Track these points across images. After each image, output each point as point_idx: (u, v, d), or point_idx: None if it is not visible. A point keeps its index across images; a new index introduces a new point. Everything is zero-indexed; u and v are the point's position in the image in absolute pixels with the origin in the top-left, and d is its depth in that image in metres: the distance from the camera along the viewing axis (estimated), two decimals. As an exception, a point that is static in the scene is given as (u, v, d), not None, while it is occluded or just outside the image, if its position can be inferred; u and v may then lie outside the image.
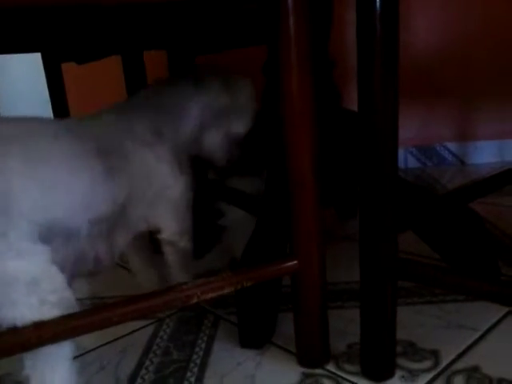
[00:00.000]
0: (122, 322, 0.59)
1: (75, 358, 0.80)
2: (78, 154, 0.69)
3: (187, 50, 1.22)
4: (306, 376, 0.73)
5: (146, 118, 0.82)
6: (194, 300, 0.63)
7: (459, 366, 0.72)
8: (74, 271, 0.70)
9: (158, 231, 0.84)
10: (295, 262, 0.69)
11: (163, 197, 0.81)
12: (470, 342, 0.77)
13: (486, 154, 1.80)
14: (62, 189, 0.66)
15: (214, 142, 0.91)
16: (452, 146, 1.82)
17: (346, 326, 0.83)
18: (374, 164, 0.61)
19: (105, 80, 1.45)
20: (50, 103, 1.22)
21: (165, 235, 0.85)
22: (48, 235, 0.63)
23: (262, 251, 0.80)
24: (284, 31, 0.61)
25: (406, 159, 1.83)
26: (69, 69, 1.32)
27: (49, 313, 0.58)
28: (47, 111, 1.24)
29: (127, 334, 0.87)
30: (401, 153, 1.81)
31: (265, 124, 0.93)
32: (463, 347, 0.75)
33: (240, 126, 0.92)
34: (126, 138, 0.77)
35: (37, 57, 1.22)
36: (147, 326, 0.90)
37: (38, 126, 0.69)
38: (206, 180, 1.14)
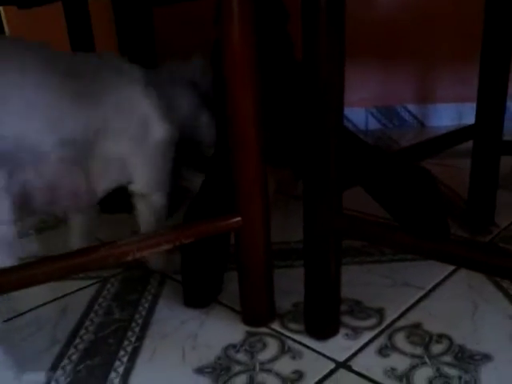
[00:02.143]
0: (49, 281, 0.56)
1: (13, 317, 0.78)
2: (47, 70, 0.65)
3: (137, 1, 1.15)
4: (249, 335, 0.71)
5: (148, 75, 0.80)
6: (130, 257, 0.60)
7: (402, 323, 0.72)
8: (47, 200, 0.66)
9: (130, 181, 0.79)
10: (238, 218, 0.66)
11: (142, 141, 0.76)
12: (414, 300, 0.77)
13: (446, 117, 1.80)
14: (26, 103, 0.62)
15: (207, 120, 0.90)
16: (412, 107, 1.82)
17: (293, 285, 0.82)
18: (317, 116, 0.58)
19: (47, 28, 1.35)
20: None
21: (137, 186, 0.79)
22: (14, 156, 0.59)
23: (206, 209, 0.78)
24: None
25: (367, 120, 1.82)
26: (10, 13, 1.23)
27: None
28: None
29: (68, 294, 0.84)
30: (362, 114, 1.80)
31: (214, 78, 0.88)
32: (407, 305, 0.76)
33: None
34: (111, 70, 0.74)
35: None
36: (90, 285, 0.87)
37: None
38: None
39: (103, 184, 0.74)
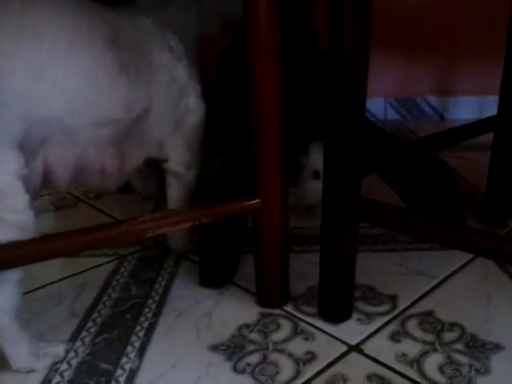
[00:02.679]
0: (72, 254, 0.58)
1: (34, 290, 0.80)
2: (84, 36, 0.58)
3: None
4: (263, 316, 0.73)
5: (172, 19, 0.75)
6: (149, 234, 0.61)
7: (414, 310, 0.72)
8: (74, 180, 0.64)
9: (165, 159, 0.78)
10: (257, 200, 0.67)
11: (182, 122, 0.75)
12: (427, 288, 0.77)
13: (466, 110, 1.78)
14: (60, 78, 0.56)
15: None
16: (432, 99, 1.80)
17: (308, 269, 0.83)
18: (340, 103, 0.59)
19: None
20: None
21: (172, 165, 0.78)
22: (40, 135, 0.56)
23: (225, 190, 0.79)
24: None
25: (386, 111, 1.81)
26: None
27: (4, 234, 0.55)
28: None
29: (87, 270, 0.86)
30: (381, 104, 1.79)
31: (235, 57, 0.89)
32: (420, 293, 0.76)
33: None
34: (154, 40, 0.70)
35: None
36: (108, 262, 0.88)
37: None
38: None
39: (133, 165, 0.73)
